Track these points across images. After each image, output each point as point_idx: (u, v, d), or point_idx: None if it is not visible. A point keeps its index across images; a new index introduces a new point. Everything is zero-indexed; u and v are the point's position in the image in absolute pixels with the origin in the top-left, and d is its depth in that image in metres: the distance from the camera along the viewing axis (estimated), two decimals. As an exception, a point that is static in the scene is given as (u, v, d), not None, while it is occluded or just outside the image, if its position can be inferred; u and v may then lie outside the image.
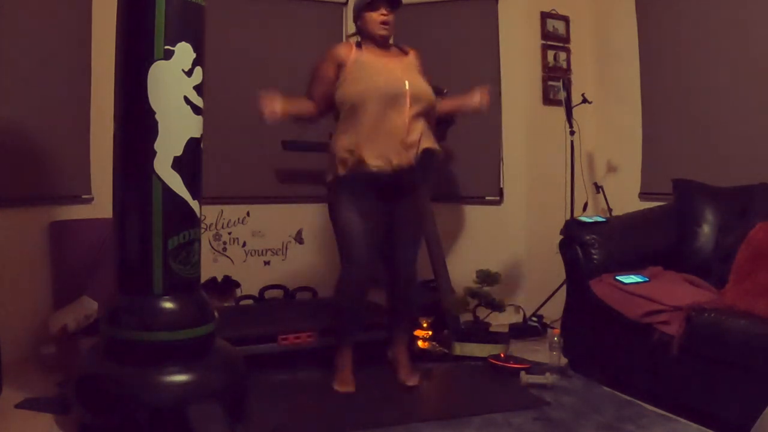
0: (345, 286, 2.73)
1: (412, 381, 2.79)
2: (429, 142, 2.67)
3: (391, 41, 2.81)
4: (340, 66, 2.65)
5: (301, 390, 2.76)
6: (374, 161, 2.55)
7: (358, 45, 2.72)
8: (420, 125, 2.64)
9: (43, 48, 3.18)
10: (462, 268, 3.66)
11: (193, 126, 2.29)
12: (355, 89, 2.59)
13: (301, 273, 3.97)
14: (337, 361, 2.79)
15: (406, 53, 2.80)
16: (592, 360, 2.93)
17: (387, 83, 2.59)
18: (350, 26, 3.86)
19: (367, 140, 2.55)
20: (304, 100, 2.75)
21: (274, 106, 2.60)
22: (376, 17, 2.67)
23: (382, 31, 2.69)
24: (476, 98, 2.77)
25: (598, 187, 3.99)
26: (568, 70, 4.06)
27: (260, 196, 3.94)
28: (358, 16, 2.74)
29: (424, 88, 2.69)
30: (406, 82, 2.61)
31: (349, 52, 2.67)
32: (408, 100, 2.59)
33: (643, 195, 3.84)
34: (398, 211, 2.72)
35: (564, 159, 3.85)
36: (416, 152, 2.61)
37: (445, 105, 2.88)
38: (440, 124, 3.46)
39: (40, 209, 3.25)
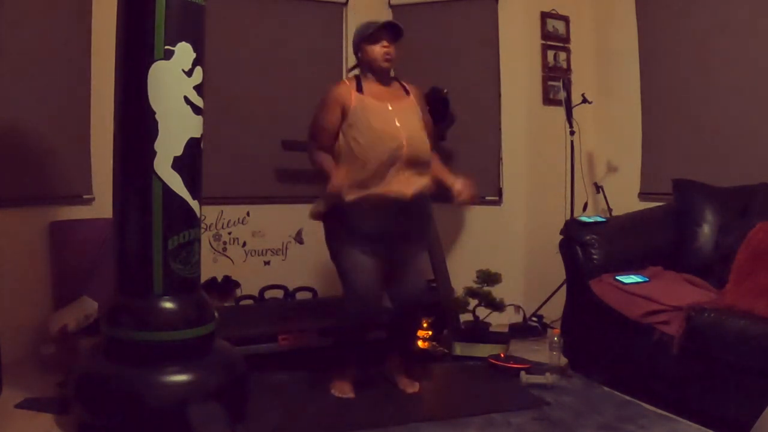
0: (349, 320, 2.68)
1: (411, 388, 2.77)
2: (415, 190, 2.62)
3: (392, 72, 2.76)
4: (343, 109, 2.59)
5: (301, 390, 2.76)
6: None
7: (358, 83, 2.64)
8: (410, 174, 2.59)
9: (43, 48, 3.18)
10: (462, 268, 3.66)
11: (193, 126, 2.29)
12: (354, 148, 2.54)
13: (301, 273, 3.97)
14: (338, 373, 2.76)
15: (407, 92, 2.73)
16: (592, 360, 2.93)
17: (385, 142, 2.53)
18: (351, 26, 3.88)
19: (358, 183, 2.53)
20: (325, 155, 2.64)
21: (344, 181, 2.53)
22: (378, 50, 2.61)
23: (384, 64, 2.63)
24: (458, 186, 2.67)
25: (598, 187, 3.98)
26: (568, 70, 4.05)
27: (260, 196, 3.94)
28: (358, 48, 2.67)
29: (421, 142, 2.63)
30: (405, 140, 2.55)
31: (349, 96, 2.59)
32: (404, 154, 2.54)
33: (643, 195, 3.84)
34: (401, 245, 2.66)
35: (564, 159, 3.85)
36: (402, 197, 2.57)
37: (434, 169, 2.74)
38: (441, 122, 3.48)
39: (40, 209, 3.25)
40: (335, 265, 2.70)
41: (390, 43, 2.62)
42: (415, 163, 2.60)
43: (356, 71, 2.74)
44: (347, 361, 2.77)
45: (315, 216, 2.72)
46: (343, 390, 2.70)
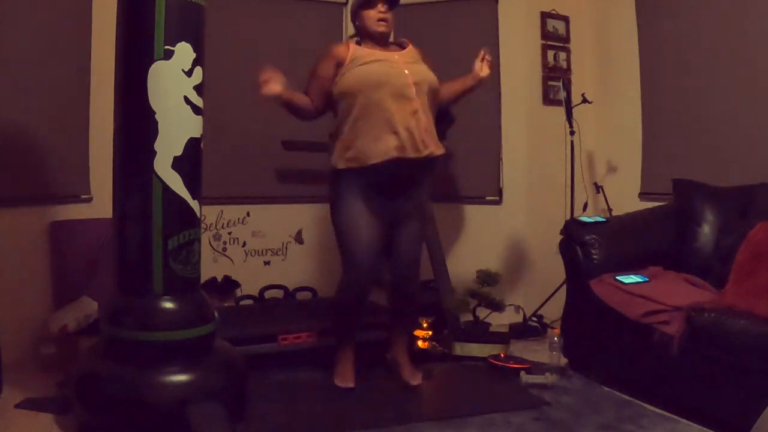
0: (347, 288, 2.71)
1: (416, 380, 2.79)
2: (435, 143, 2.65)
3: (390, 39, 2.81)
4: (339, 64, 2.63)
5: (301, 390, 2.77)
6: (378, 156, 2.53)
7: (358, 44, 2.71)
8: (426, 119, 2.61)
9: (43, 48, 3.18)
10: (462, 268, 3.66)
11: (193, 126, 2.29)
12: (356, 79, 2.57)
13: (301, 273, 3.97)
14: (337, 357, 2.79)
15: (404, 47, 2.78)
16: (592, 360, 2.93)
17: (388, 72, 2.57)
18: (350, 26, 3.88)
19: (370, 134, 2.53)
20: (303, 94, 2.72)
21: (275, 83, 2.53)
22: (374, 14, 2.66)
23: (380, 28, 2.67)
24: (477, 68, 2.78)
25: (598, 187, 3.99)
26: (568, 70, 4.06)
27: (260, 196, 3.94)
28: (355, 15, 2.73)
29: (427, 73, 2.68)
30: (407, 70, 2.60)
31: (347, 50, 2.66)
32: (413, 89, 2.57)
33: (643, 195, 3.84)
34: (400, 210, 2.70)
35: (564, 159, 3.85)
36: (422, 152, 2.58)
37: (449, 88, 2.83)
38: (440, 122, 3.47)
39: (40, 209, 3.25)
40: (334, 226, 2.70)
41: (386, 8, 2.68)
42: (424, 91, 2.61)
43: (355, 39, 2.76)
44: (346, 338, 2.78)
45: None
46: (344, 379, 2.71)
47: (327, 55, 2.67)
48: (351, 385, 2.71)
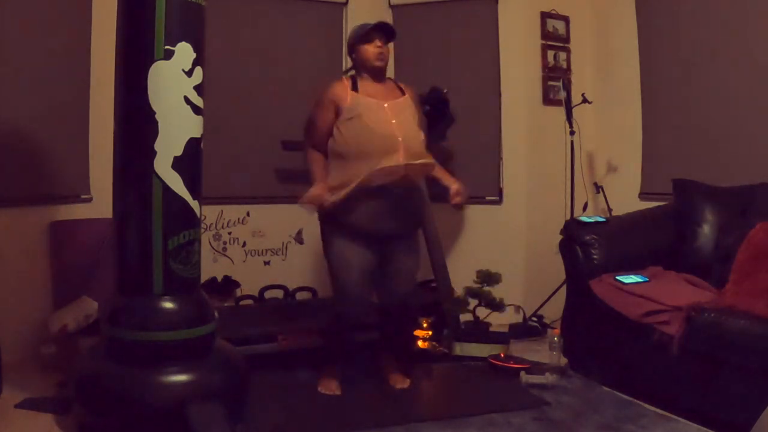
0: (337, 319, 2.74)
1: (402, 384, 2.79)
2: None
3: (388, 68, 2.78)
4: (337, 109, 2.61)
5: (300, 390, 2.76)
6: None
7: (354, 83, 2.66)
8: (411, 184, 2.63)
9: (43, 49, 3.18)
10: (462, 268, 3.66)
11: (193, 126, 2.29)
12: (351, 143, 2.56)
13: (301, 273, 3.97)
14: (323, 371, 2.78)
15: (402, 92, 2.74)
16: (592, 360, 2.93)
17: (382, 136, 2.55)
18: (350, 26, 3.88)
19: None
20: (316, 157, 2.69)
21: (325, 198, 2.56)
22: (372, 49, 2.64)
23: (377, 63, 2.65)
24: (456, 187, 2.72)
25: (598, 187, 3.99)
26: (568, 70, 4.06)
27: (260, 196, 3.94)
28: (352, 50, 2.70)
29: (418, 141, 2.64)
30: (400, 139, 2.56)
31: (345, 95, 2.61)
32: (404, 159, 2.54)
33: (643, 195, 3.84)
34: (391, 248, 2.69)
35: (564, 159, 3.85)
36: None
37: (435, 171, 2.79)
38: (441, 122, 3.47)
39: (40, 209, 3.25)
40: (327, 260, 2.72)
41: (383, 43, 2.66)
42: (414, 155, 2.58)
43: (352, 72, 2.75)
44: (333, 359, 2.79)
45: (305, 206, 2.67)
46: (329, 387, 2.71)
47: (325, 101, 2.63)
48: (337, 392, 2.70)
